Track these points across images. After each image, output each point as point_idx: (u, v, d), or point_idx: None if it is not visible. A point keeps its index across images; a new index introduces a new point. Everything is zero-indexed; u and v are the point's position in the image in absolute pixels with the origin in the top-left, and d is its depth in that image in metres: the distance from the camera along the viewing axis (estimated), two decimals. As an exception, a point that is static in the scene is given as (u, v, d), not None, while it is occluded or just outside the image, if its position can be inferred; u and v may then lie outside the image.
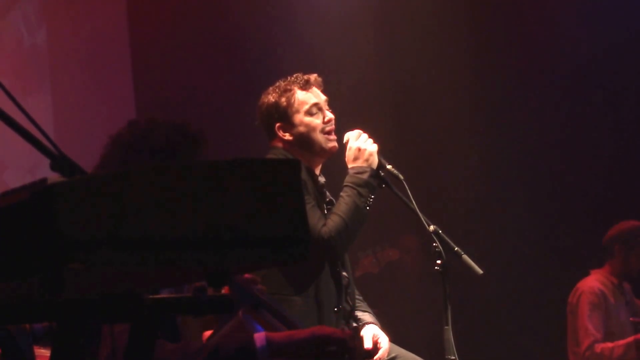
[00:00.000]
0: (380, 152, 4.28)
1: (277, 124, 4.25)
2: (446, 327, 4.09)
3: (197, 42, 7.46)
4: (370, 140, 4.28)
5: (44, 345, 2.91)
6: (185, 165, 1.83)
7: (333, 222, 4.11)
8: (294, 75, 4.31)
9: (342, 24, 7.54)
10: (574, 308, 6.40)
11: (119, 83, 7.31)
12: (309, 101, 4.26)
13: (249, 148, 5.18)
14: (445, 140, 7.64)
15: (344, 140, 4.29)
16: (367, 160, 4.23)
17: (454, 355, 4.08)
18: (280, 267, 4.05)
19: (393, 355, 4.21)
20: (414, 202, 4.23)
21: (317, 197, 4.21)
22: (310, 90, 4.28)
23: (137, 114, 7.16)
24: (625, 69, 7.51)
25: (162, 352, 2.75)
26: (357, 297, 4.37)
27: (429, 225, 4.19)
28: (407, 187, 4.24)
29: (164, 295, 2.07)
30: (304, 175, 4.17)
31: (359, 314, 4.32)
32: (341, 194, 4.20)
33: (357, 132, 4.30)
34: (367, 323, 4.27)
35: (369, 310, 4.37)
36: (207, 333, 3.37)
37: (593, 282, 6.41)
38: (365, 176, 4.20)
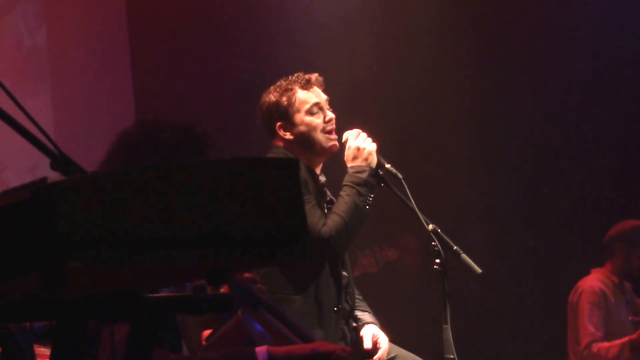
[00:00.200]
0: (379, 151, 4.29)
1: (278, 123, 4.26)
2: (445, 325, 4.09)
3: (197, 42, 7.46)
4: (369, 139, 4.28)
5: (44, 343, 2.92)
6: (184, 164, 1.84)
7: (333, 221, 4.11)
8: (295, 75, 4.31)
9: (342, 24, 7.54)
10: (574, 307, 6.40)
11: (118, 83, 7.31)
12: (309, 100, 4.26)
13: (249, 148, 5.19)
14: (444, 139, 7.64)
15: (343, 139, 4.29)
16: (366, 159, 4.23)
17: (453, 354, 4.08)
18: (280, 267, 4.06)
19: (392, 355, 4.21)
20: (412, 201, 4.23)
21: (317, 196, 4.22)
22: (311, 89, 4.28)
23: (136, 114, 7.17)
24: (627, 69, 7.51)
25: None
26: (356, 296, 4.38)
27: (427, 224, 4.20)
28: (405, 186, 4.24)
29: (163, 294, 2.08)
30: (304, 174, 4.17)
31: (358, 313, 4.32)
32: (340, 193, 4.20)
33: (356, 131, 4.30)
34: (367, 323, 4.27)
35: (369, 309, 4.38)
36: (207, 332, 3.38)
37: (594, 281, 6.41)
38: (364, 175, 4.20)
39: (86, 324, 2.03)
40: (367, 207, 4.19)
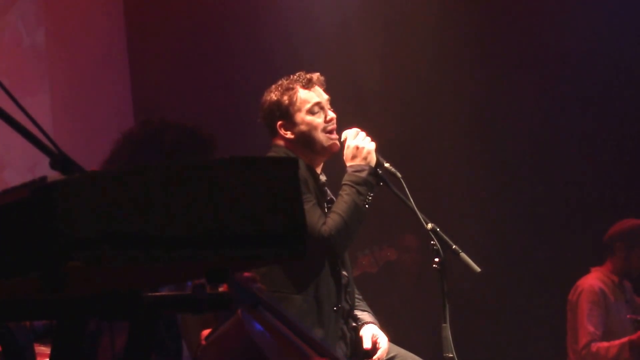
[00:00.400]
0: (378, 150, 4.29)
1: (279, 122, 4.26)
2: (444, 324, 4.09)
3: (196, 43, 7.46)
4: (368, 139, 4.28)
5: (44, 342, 2.92)
6: (183, 164, 1.84)
7: (332, 220, 4.11)
8: (297, 74, 4.31)
9: (342, 24, 7.54)
10: (573, 306, 6.40)
11: (117, 83, 7.31)
12: (310, 100, 4.26)
13: (249, 148, 5.19)
14: (444, 139, 7.64)
15: (342, 139, 4.29)
16: (365, 158, 4.23)
17: (452, 353, 4.08)
18: (280, 265, 4.06)
19: (392, 354, 4.21)
20: (411, 200, 4.23)
21: (318, 195, 4.22)
22: (312, 89, 4.28)
23: (134, 113, 7.17)
24: (628, 69, 7.51)
25: None
26: (356, 296, 4.38)
27: (427, 223, 4.19)
28: (405, 185, 4.24)
29: (163, 293, 2.08)
30: (305, 173, 4.17)
31: (358, 313, 4.32)
32: (340, 192, 4.20)
33: (354, 130, 4.30)
34: (367, 322, 4.27)
35: (368, 309, 4.38)
36: (206, 332, 3.38)
37: (593, 280, 6.40)
38: (363, 174, 4.20)
39: (86, 324, 2.03)
40: (367, 206, 4.19)
